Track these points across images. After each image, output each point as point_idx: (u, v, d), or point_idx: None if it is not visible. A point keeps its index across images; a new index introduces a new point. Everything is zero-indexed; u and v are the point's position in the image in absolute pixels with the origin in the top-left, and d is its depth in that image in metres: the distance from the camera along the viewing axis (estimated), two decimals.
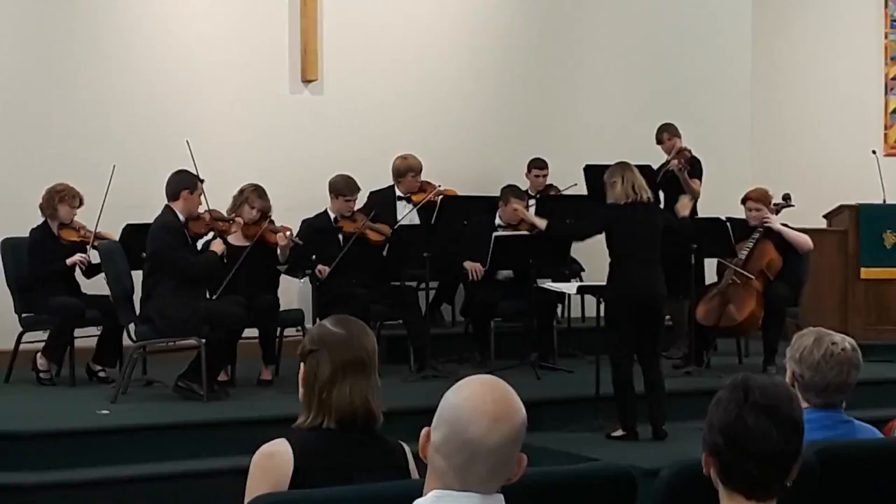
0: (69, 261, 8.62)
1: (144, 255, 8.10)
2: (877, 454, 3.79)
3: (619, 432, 7.52)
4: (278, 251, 8.68)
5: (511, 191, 9.72)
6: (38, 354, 8.58)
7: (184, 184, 8.14)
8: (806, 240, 9.32)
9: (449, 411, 2.51)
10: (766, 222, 9.25)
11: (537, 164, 10.53)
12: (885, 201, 10.52)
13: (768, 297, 9.14)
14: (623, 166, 7.74)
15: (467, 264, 9.36)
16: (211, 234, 8.38)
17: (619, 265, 7.60)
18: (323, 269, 8.82)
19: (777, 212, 9.41)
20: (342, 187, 9.13)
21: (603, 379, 7.68)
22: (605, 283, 7.82)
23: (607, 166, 9.73)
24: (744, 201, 9.40)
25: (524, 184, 10.38)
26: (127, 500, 6.61)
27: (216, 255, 8.17)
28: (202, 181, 8.23)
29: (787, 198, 9.48)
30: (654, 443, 7.41)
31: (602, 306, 7.88)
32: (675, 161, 9.95)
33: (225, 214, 8.64)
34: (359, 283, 8.88)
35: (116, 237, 8.75)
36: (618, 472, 3.35)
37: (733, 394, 2.63)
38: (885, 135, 12.48)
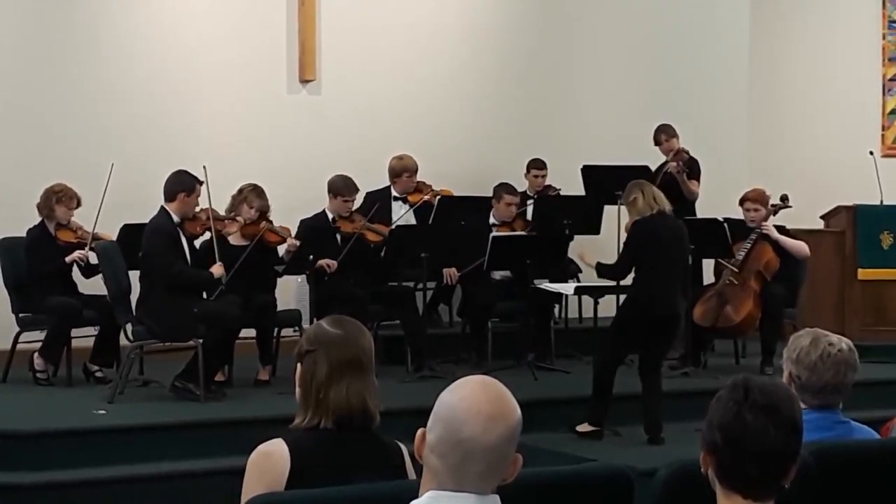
0: (69, 258, 8.61)
1: (140, 255, 8.10)
2: (874, 455, 3.79)
3: (587, 428, 7.52)
4: (283, 254, 8.71)
5: (504, 188, 9.73)
6: (35, 354, 8.58)
7: (181, 185, 8.13)
8: (802, 247, 9.30)
9: (444, 411, 2.51)
10: (763, 229, 9.23)
11: (536, 165, 10.53)
12: (882, 202, 10.53)
13: (766, 298, 9.13)
14: (639, 183, 7.71)
15: (444, 270, 9.38)
16: (208, 235, 8.38)
17: (643, 278, 7.54)
18: (331, 264, 8.82)
19: (775, 213, 9.41)
20: (341, 187, 9.13)
21: None
22: (605, 285, 7.81)
23: (605, 167, 9.82)
24: (741, 202, 9.39)
25: (523, 184, 10.38)
26: (124, 500, 6.61)
27: (211, 278, 8.13)
28: (201, 183, 8.21)
29: (784, 199, 9.48)
30: (651, 443, 7.41)
31: (598, 306, 7.87)
32: (674, 164, 9.95)
33: (222, 214, 8.65)
34: (356, 284, 8.88)
35: (115, 237, 8.75)
36: (615, 473, 3.35)
37: (733, 393, 2.63)
38: (883, 136, 12.48)
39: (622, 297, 7.98)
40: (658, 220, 7.51)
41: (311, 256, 8.74)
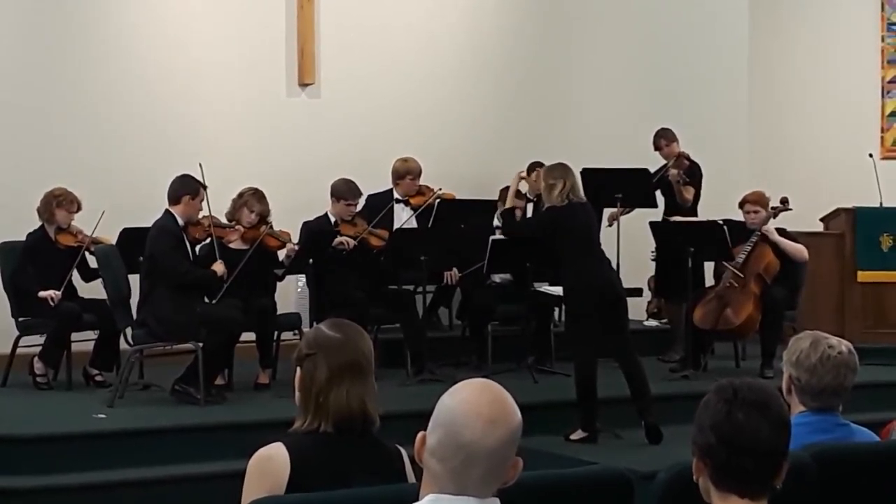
0: (42, 294, 8.54)
1: (142, 257, 8.10)
2: (873, 457, 3.79)
3: (580, 434, 7.52)
4: (283, 258, 8.72)
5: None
6: (35, 358, 8.57)
7: (186, 189, 8.16)
8: (801, 251, 9.30)
9: (444, 415, 2.51)
10: (764, 231, 9.23)
11: (537, 168, 10.51)
12: (881, 204, 10.52)
13: (766, 301, 9.12)
14: (563, 168, 7.77)
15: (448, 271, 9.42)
16: (209, 240, 8.39)
17: (572, 264, 7.62)
18: (349, 242, 8.85)
19: (775, 215, 9.40)
20: (343, 191, 9.14)
21: (600, 382, 7.66)
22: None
23: (605, 170, 9.81)
24: (741, 204, 9.39)
25: (523, 186, 10.37)
26: None
27: (214, 275, 8.16)
28: (205, 188, 8.23)
29: (784, 201, 9.46)
30: (651, 446, 7.41)
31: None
32: (675, 172, 9.93)
33: (224, 221, 8.67)
34: (356, 287, 8.88)
35: (114, 240, 8.75)
36: (615, 476, 3.35)
37: (721, 394, 2.67)
38: (882, 138, 12.49)
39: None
40: (568, 209, 7.61)
41: (311, 260, 8.74)
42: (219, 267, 8.17)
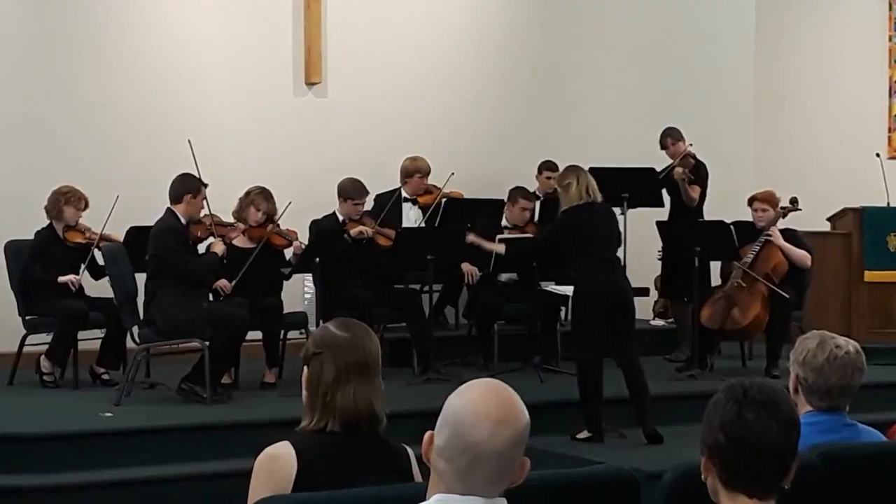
0: (61, 279, 8.57)
1: (147, 257, 8.11)
2: (880, 457, 3.79)
3: (586, 434, 7.53)
4: (290, 257, 8.73)
5: (520, 192, 9.74)
6: (42, 357, 8.59)
7: (187, 187, 8.15)
8: (805, 258, 9.26)
9: (452, 415, 2.51)
10: (769, 237, 9.21)
11: (548, 167, 10.47)
12: (888, 204, 10.50)
13: (773, 301, 9.11)
14: (576, 169, 7.79)
15: (464, 266, 9.39)
16: (211, 238, 8.40)
17: (584, 266, 7.62)
18: (365, 230, 8.87)
19: (784, 215, 9.37)
20: (350, 191, 9.15)
21: (606, 382, 7.66)
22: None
23: (612, 169, 9.80)
24: (750, 202, 9.37)
25: (532, 185, 10.37)
26: (130, 503, 6.61)
27: (217, 257, 8.19)
28: (206, 185, 8.24)
29: (794, 201, 9.41)
30: (657, 445, 7.41)
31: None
32: (680, 170, 9.92)
33: (225, 219, 8.68)
34: (363, 286, 8.89)
35: (121, 239, 8.76)
36: (621, 475, 3.35)
37: (732, 393, 2.67)
38: (889, 137, 12.47)
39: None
40: (586, 209, 7.61)
41: (318, 259, 8.74)
42: (217, 247, 8.20)
